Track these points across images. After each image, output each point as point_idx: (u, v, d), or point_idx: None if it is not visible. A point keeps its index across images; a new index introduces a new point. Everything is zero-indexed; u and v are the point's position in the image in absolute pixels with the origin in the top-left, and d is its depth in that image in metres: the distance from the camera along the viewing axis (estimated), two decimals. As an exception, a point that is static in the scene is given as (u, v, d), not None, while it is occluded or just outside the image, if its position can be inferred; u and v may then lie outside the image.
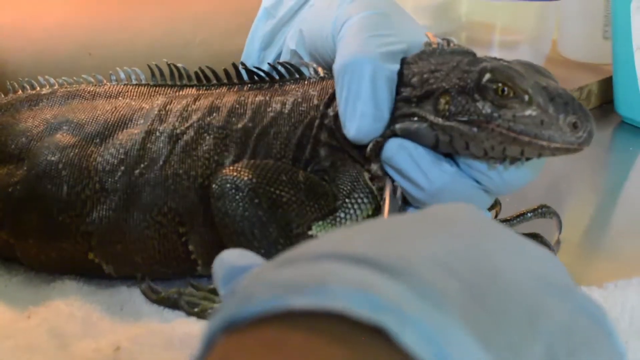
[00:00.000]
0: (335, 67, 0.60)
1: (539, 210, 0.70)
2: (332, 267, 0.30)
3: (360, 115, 0.58)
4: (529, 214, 0.70)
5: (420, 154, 0.57)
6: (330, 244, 0.32)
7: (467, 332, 0.29)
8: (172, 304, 0.61)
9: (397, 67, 0.60)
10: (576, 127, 0.55)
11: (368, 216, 0.60)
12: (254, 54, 0.73)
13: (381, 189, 0.60)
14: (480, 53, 0.62)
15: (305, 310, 0.28)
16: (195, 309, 0.60)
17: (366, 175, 0.60)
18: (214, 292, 0.60)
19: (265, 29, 0.73)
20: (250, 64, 0.69)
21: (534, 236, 0.68)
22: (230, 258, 0.41)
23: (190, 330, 0.57)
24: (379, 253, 0.31)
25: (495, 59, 0.58)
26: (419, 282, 0.30)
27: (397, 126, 0.58)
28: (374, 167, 0.60)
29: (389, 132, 0.59)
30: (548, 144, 0.55)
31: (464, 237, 0.34)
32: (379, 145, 0.59)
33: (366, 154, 0.59)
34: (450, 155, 0.58)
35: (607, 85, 1.06)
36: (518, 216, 0.70)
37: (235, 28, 0.75)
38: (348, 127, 0.59)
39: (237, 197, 0.57)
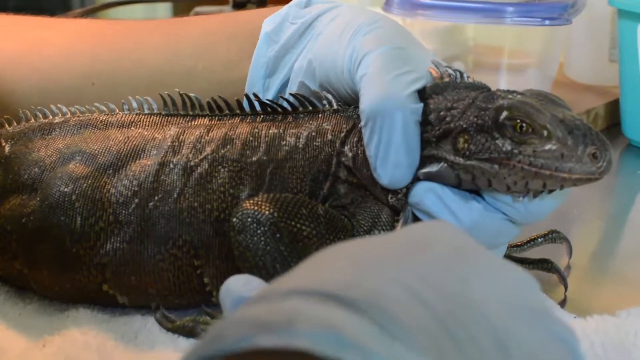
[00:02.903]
0: (364, 109, 0.59)
1: (550, 236, 0.71)
2: (300, 304, 0.31)
3: (394, 165, 0.58)
4: (539, 239, 0.71)
5: (447, 195, 0.58)
6: (301, 277, 0.33)
7: None
8: (187, 332, 0.60)
9: (421, 106, 0.59)
10: (596, 157, 0.55)
11: None
12: (259, 82, 0.72)
13: None
14: (488, 76, 0.62)
15: (273, 348, 0.29)
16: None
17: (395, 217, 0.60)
18: None
19: (269, 55, 0.71)
20: (255, 92, 0.68)
21: (544, 262, 0.68)
22: (237, 286, 0.42)
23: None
24: (347, 287, 0.32)
25: (509, 92, 0.58)
26: (384, 317, 0.31)
27: (420, 172, 0.59)
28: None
29: (414, 179, 0.59)
30: (569, 175, 0.55)
31: (438, 261, 0.35)
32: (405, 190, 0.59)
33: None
34: (475, 191, 0.59)
35: (614, 108, 1.07)
36: (529, 241, 0.71)
37: (238, 54, 0.74)
38: (381, 175, 0.59)
39: (259, 231, 0.57)
